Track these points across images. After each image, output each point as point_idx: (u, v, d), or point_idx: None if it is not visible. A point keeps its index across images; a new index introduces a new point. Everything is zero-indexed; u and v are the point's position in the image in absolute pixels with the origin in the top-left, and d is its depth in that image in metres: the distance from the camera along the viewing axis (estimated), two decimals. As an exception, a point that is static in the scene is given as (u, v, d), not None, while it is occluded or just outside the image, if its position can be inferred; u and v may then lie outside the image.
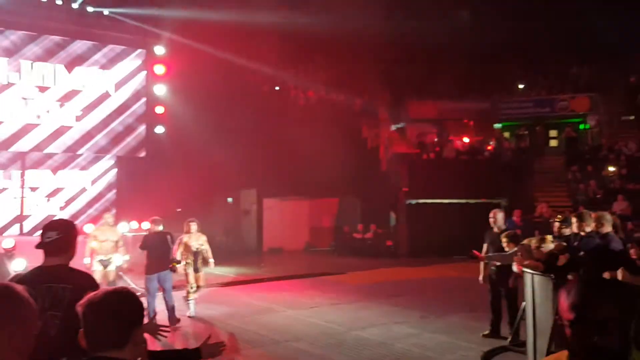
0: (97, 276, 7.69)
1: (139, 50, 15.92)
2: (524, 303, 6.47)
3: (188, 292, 8.40)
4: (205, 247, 8.50)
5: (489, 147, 19.58)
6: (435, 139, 20.14)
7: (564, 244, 6.17)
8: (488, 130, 21.48)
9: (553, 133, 21.55)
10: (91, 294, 1.74)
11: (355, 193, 17.93)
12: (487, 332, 7.28)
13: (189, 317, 8.31)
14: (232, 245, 15.81)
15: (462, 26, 20.33)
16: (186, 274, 8.37)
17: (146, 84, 15.95)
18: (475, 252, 7.29)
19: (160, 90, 15.84)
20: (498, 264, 7.06)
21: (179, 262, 8.11)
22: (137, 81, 15.94)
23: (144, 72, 15.95)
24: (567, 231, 6.42)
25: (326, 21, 17.69)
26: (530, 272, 6.12)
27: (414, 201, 16.92)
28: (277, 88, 18.96)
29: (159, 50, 15.75)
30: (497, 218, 7.46)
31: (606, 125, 19.14)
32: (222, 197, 18.08)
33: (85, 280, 2.72)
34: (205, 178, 15.38)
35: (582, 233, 5.81)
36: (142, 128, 15.97)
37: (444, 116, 20.77)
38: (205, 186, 15.68)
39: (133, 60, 15.89)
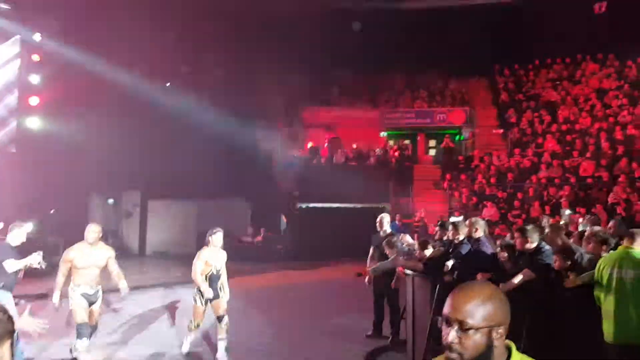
0: None
1: (14, 37, 14.42)
2: (404, 304, 6.83)
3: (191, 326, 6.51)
4: (223, 270, 6.54)
5: (376, 154, 20.44)
6: (326, 145, 20.63)
7: (442, 248, 6.61)
8: (375, 137, 22.44)
9: (432, 143, 23.04)
10: None
11: (245, 196, 17.77)
12: (370, 332, 7.56)
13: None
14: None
15: (354, 39, 21.04)
16: (195, 303, 6.36)
17: (20, 74, 14.49)
18: (360, 271, 7.51)
19: (35, 79, 14.48)
20: (380, 267, 7.33)
21: None
22: (10, 70, 14.43)
23: (18, 61, 14.48)
24: (445, 235, 6.90)
25: (218, 19, 17.41)
26: (411, 274, 6.47)
27: (304, 205, 17.16)
28: (167, 84, 18.22)
29: (35, 37, 14.42)
30: (383, 222, 7.79)
31: (479, 138, 20.85)
32: (102, 198, 16.96)
33: None
34: (84, 177, 14.33)
35: (456, 240, 6.25)
36: (13, 122, 14.48)
37: (334, 122, 21.33)
38: (84, 186, 14.61)
39: (7, 48, 14.37)
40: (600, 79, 20.09)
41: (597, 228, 5.69)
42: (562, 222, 9.08)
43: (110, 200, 17.44)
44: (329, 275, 13.19)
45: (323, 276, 13.09)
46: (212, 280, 6.34)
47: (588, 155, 16.37)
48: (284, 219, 17.47)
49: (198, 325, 6.48)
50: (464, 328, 1.56)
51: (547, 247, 5.53)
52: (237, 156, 16.08)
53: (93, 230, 5.98)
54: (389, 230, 7.74)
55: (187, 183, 15.80)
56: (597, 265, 4.50)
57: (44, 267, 5.82)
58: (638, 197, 13.56)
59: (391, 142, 22.31)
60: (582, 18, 19.36)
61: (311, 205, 16.87)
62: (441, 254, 6.43)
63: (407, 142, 22.29)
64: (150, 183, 15.86)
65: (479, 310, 1.57)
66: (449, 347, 1.59)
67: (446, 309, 1.61)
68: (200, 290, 6.28)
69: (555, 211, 13.62)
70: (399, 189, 17.76)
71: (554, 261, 5.06)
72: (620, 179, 14.58)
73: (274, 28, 19.45)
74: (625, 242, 4.43)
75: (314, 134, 21.06)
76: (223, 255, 6.55)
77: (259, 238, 16.88)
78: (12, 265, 5.73)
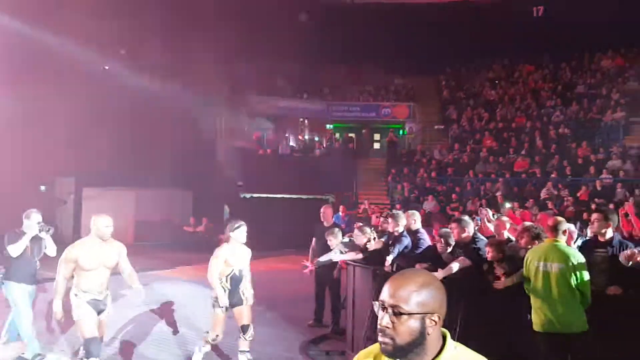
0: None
1: None
2: (345, 294, 6.90)
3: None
4: (247, 270, 5.61)
5: (321, 146, 20.51)
6: (272, 135, 20.51)
7: (382, 240, 6.71)
8: (321, 129, 22.53)
9: (377, 136, 23.40)
10: None
11: (188, 185, 17.38)
12: (311, 321, 7.60)
13: None
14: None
15: (304, 29, 20.97)
16: (214, 308, 5.44)
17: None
18: (306, 264, 7.44)
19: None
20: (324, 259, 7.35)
21: None
22: None
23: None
24: (387, 227, 7.00)
25: (161, 4, 16.88)
26: (352, 264, 6.54)
27: (249, 195, 17.00)
28: (106, 67, 17.49)
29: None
30: (327, 213, 7.81)
31: (421, 133, 21.36)
32: (33, 185, 16.09)
33: None
34: (13, 162, 13.53)
35: (396, 232, 6.37)
36: None
37: (280, 113, 21.21)
38: (13, 173, 13.80)
39: None
40: (536, 79, 21.02)
41: (528, 223, 5.92)
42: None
43: (43, 187, 16.58)
44: (272, 265, 13.14)
45: (266, 267, 13.01)
46: (234, 282, 5.42)
47: (523, 152, 17.13)
48: (227, 209, 17.23)
49: (217, 337, 5.45)
50: (397, 313, 1.58)
51: (482, 237, 5.73)
52: (180, 145, 15.69)
53: (106, 224, 4.81)
54: (331, 222, 7.78)
55: (126, 171, 15.25)
56: (525, 258, 4.70)
57: (51, 231, 5.69)
58: (569, 192, 14.32)
59: (337, 135, 22.47)
60: (521, 21, 20.18)
61: (255, 195, 16.73)
62: (382, 246, 6.54)
63: (352, 135, 22.52)
64: (86, 170, 15.18)
65: (413, 296, 1.58)
66: (382, 332, 1.60)
67: (382, 295, 1.63)
68: (215, 297, 5.36)
69: (492, 205, 14.15)
70: (344, 181, 17.92)
71: (487, 252, 5.24)
72: (552, 176, 15.36)
73: (220, 16, 19.07)
74: (550, 235, 4.63)
75: (260, 124, 20.88)
76: (247, 253, 5.59)
77: (201, 228, 16.59)
78: (14, 248, 5.48)
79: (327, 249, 7.14)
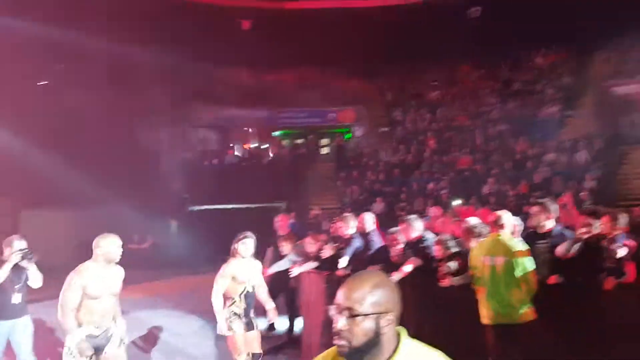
0: None
1: None
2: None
3: None
4: (261, 285, 5.18)
5: (269, 154, 20.43)
6: (218, 145, 20.22)
7: (334, 244, 6.72)
8: (268, 137, 22.43)
9: (325, 141, 23.54)
10: None
11: (131, 200, 16.81)
12: (265, 330, 7.46)
13: None
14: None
15: (247, 35, 20.90)
16: (229, 334, 4.89)
17: None
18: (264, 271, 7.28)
19: None
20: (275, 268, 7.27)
21: None
22: None
23: None
24: (338, 231, 7.02)
25: (99, 11, 16.38)
26: (307, 271, 6.52)
27: (196, 208, 16.66)
28: (45, 83, 16.78)
29: None
30: (281, 222, 7.67)
31: (368, 136, 21.65)
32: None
33: None
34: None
35: (347, 234, 6.40)
36: None
37: (225, 122, 20.96)
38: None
39: None
40: (474, 79, 21.76)
41: (474, 221, 6.05)
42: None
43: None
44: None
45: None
46: (248, 300, 4.93)
47: (465, 150, 17.67)
48: (173, 224, 16.80)
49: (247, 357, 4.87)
50: (352, 315, 1.61)
51: (430, 236, 5.84)
52: (121, 158, 15.18)
53: (116, 244, 4.30)
54: (287, 230, 7.67)
55: (65, 189, 14.59)
56: (471, 253, 4.82)
57: (31, 259, 5.02)
58: (510, 187, 14.86)
59: (285, 142, 22.44)
60: (458, 22, 20.87)
61: (203, 207, 16.41)
62: (335, 251, 6.56)
63: (300, 141, 22.56)
64: (23, 191, 14.44)
65: (367, 297, 1.62)
66: (338, 334, 1.62)
67: (337, 298, 1.66)
68: (234, 313, 4.84)
69: (438, 203, 14.50)
70: (294, 187, 17.89)
71: (435, 250, 5.35)
72: (493, 171, 15.91)
73: (160, 23, 18.69)
74: (493, 230, 4.78)
75: (205, 133, 20.54)
76: (257, 267, 5.11)
77: (146, 245, 16.13)
78: None
79: (281, 257, 7.08)
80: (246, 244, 4.94)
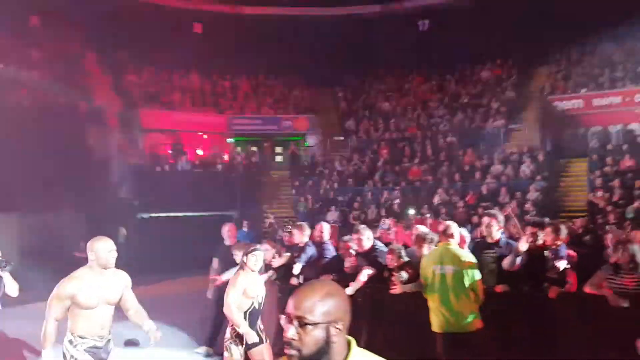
0: None
1: None
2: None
3: None
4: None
5: (223, 161, 20.18)
6: (170, 151, 19.79)
7: (288, 253, 6.72)
8: (222, 143, 22.15)
9: (279, 149, 23.48)
10: None
11: (78, 207, 16.19)
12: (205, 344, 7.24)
13: None
14: None
15: (197, 42, 20.64)
16: (229, 352, 4.66)
17: None
18: (215, 278, 7.04)
19: None
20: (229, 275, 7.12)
21: None
22: None
23: None
24: (292, 240, 7.02)
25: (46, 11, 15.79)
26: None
27: (146, 215, 16.23)
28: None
29: None
30: (230, 232, 7.48)
31: (322, 144, 21.76)
32: None
33: None
34: None
35: (301, 243, 6.41)
36: None
37: (177, 127, 20.57)
38: None
39: None
40: (425, 91, 22.30)
41: (423, 229, 6.19)
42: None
43: None
44: (172, 289, 12.57)
45: (166, 291, 12.40)
46: (253, 318, 4.66)
47: (416, 160, 18.05)
48: (123, 231, 16.28)
49: None
50: (302, 324, 1.61)
51: (381, 245, 5.93)
52: (67, 163, 14.59)
53: (109, 249, 3.90)
54: (234, 240, 7.42)
55: (8, 193, 13.89)
56: (421, 263, 4.93)
57: (9, 268, 4.77)
58: (459, 198, 15.29)
59: (239, 149, 22.22)
60: (408, 34, 21.39)
61: (153, 214, 16.00)
62: (288, 260, 6.55)
63: (254, 148, 22.40)
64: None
65: (317, 306, 1.63)
66: (289, 344, 1.63)
67: (287, 307, 1.67)
68: (237, 335, 4.56)
69: (390, 213, 14.75)
70: (247, 196, 17.73)
71: (388, 260, 5.43)
72: (443, 182, 16.33)
73: (109, 23, 18.22)
74: (442, 240, 4.90)
75: (155, 139, 20.05)
76: (262, 282, 4.89)
77: (95, 252, 15.56)
78: None
79: (228, 269, 6.86)
80: (256, 256, 4.64)
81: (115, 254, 3.94)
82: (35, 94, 16.48)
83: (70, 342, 3.76)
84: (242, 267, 4.67)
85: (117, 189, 16.69)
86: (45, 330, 3.72)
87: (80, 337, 3.77)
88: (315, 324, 1.61)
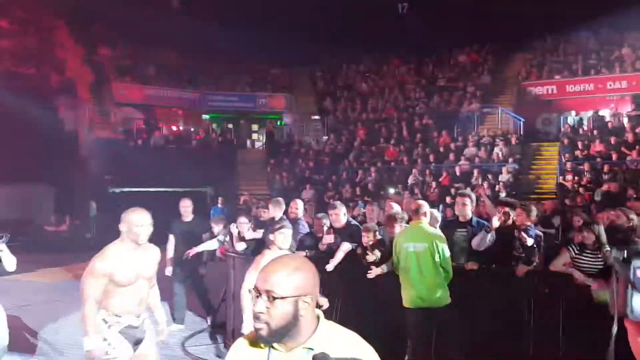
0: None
1: None
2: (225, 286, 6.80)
3: None
4: None
5: (198, 137, 19.95)
6: (143, 125, 19.45)
7: (262, 230, 6.72)
8: (197, 120, 21.88)
9: (255, 127, 23.32)
10: None
11: (48, 180, 15.85)
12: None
13: None
14: None
15: (176, 16, 20.18)
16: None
17: None
18: (189, 253, 6.94)
19: None
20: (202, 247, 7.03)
21: None
22: None
23: None
24: (266, 216, 7.03)
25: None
26: (232, 255, 6.47)
27: (118, 190, 16.00)
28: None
29: None
30: (187, 208, 7.11)
31: (298, 123, 21.68)
32: None
33: None
34: None
35: (276, 217, 6.42)
36: None
37: (152, 102, 20.20)
38: None
39: None
40: (402, 73, 22.34)
41: (396, 208, 6.28)
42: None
43: None
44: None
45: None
46: None
47: (392, 141, 18.16)
48: (93, 206, 16.03)
49: None
50: (271, 298, 1.61)
51: (355, 223, 5.99)
52: (38, 136, 14.24)
53: (144, 221, 3.60)
54: (191, 217, 7.12)
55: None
56: (394, 241, 5.02)
57: (4, 239, 4.46)
58: (433, 179, 15.47)
59: (214, 125, 21.99)
60: (388, 16, 21.31)
61: (126, 189, 15.78)
62: (262, 235, 6.55)
63: (230, 125, 22.20)
64: None
65: (286, 280, 1.63)
66: (257, 318, 1.63)
67: (257, 281, 1.66)
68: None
69: (365, 192, 14.86)
70: (223, 172, 17.61)
71: (363, 237, 5.49)
72: (417, 163, 16.49)
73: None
74: (414, 218, 4.99)
75: (129, 113, 19.66)
76: None
77: (64, 227, 15.32)
78: None
79: (186, 246, 6.78)
80: (284, 234, 4.23)
81: (151, 229, 3.63)
82: (5, 64, 15.96)
83: (105, 321, 3.47)
84: (269, 246, 4.30)
85: (88, 163, 16.37)
86: (85, 312, 3.38)
87: (117, 315, 3.49)
88: (283, 298, 1.61)
